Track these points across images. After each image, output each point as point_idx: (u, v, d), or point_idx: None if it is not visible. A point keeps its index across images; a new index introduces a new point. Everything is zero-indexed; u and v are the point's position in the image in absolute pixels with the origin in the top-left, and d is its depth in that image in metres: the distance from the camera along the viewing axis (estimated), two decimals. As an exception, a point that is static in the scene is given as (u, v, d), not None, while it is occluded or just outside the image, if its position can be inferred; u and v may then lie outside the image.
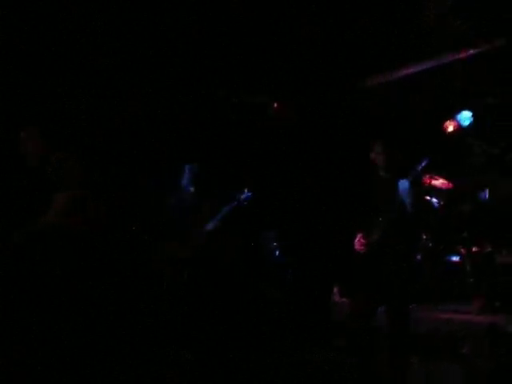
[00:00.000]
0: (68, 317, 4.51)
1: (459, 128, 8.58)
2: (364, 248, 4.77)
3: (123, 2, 6.38)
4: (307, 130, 8.40)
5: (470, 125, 8.42)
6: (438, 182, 7.69)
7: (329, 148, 8.45)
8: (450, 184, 7.76)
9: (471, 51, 7.87)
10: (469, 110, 8.45)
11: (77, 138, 5.89)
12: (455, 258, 7.52)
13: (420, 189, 4.85)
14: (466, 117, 8.47)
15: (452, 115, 8.62)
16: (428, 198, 7.50)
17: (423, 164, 4.53)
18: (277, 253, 7.99)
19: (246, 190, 6.24)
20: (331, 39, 7.54)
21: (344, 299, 7.58)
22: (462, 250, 7.32)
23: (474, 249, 7.31)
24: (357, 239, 4.87)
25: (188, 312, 6.01)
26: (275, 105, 7.56)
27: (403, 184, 4.53)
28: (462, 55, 8.01)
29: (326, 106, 8.46)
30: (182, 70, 7.25)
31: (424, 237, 7.33)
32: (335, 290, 7.68)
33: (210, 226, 6.13)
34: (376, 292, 4.69)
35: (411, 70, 8.51)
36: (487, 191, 7.40)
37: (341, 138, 8.50)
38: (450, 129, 8.72)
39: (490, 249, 7.12)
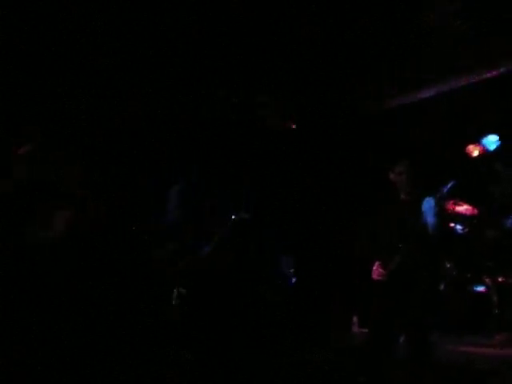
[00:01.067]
0: (68, 316, 4.36)
1: (485, 152, 8.29)
2: (383, 277, 4.47)
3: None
4: (308, 132, 8.16)
5: (496, 149, 8.12)
6: (463, 208, 7.39)
7: (331, 150, 8.22)
8: (475, 210, 7.45)
9: (495, 72, 7.60)
10: (495, 134, 8.16)
11: (76, 138, 5.75)
12: (481, 288, 7.16)
13: (445, 212, 4.54)
14: (492, 141, 8.18)
15: (477, 139, 8.35)
16: (452, 224, 7.21)
17: (449, 186, 4.23)
18: (293, 280, 7.72)
19: None
20: (332, 39, 7.33)
21: (363, 329, 7.29)
22: (487, 280, 6.98)
23: (499, 279, 6.99)
24: (375, 267, 4.58)
25: (188, 312, 5.81)
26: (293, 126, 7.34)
27: (428, 202, 4.24)
28: (486, 76, 7.75)
29: (328, 106, 8.23)
30: (182, 70, 7.09)
31: (448, 265, 7.04)
32: (354, 319, 7.39)
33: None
34: (396, 321, 4.39)
35: (429, 92, 8.28)
36: (512, 218, 7.07)
37: (340, 139, 8.27)
38: (476, 153, 8.43)
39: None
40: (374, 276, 4.54)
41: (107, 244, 5.02)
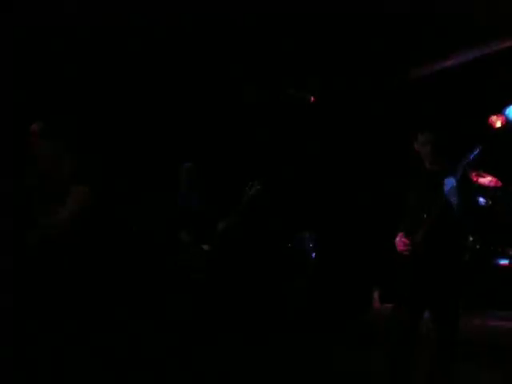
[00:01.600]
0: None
1: (508, 123, 8.09)
2: (407, 249, 4.31)
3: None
4: (331, 106, 8.01)
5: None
6: (486, 180, 7.22)
7: (354, 124, 8.08)
8: (499, 182, 7.27)
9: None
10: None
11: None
12: (505, 262, 7.00)
13: (470, 184, 4.35)
14: (515, 111, 7.99)
15: (500, 109, 8.15)
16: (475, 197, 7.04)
17: (475, 152, 4.05)
18: (313, 255, 7.60)
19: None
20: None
21: (385, 305, 7.18)
22: (512, 253, 6.83)
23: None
24: (398, 239, 4.40)
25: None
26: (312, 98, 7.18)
27: (450, 182, 4.04)
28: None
29: (360, 97, 8.07)
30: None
31: (471, 238, 6.88)
32: (375, 295, 7.26)
33: None
34: (422, 296, 4.23)
35: (455, 60, 8.08)
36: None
37: (375, 130, 8.11)
38: (498, 124, 8.24)
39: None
40: (399, 248, 4.37)
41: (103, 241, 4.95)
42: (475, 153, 4.03)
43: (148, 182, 6.66)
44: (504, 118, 8.14)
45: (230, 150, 7.40)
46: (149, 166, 6.84)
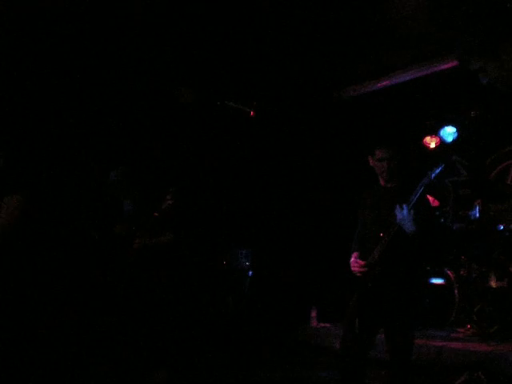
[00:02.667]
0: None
1: (442, 144, 8.21)
2: (362, 270, 4.19)
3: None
4: (283, 139, 7.94)
5: (453, 141, 8.04)
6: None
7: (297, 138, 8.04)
8: (436, 202, 7.34)
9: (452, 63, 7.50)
10: (452, 125, 8.08)
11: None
12: (439, 281, 7.02)
13: (427, 208, 4.26)
14: (449, 133, 8.10)
15: (435, 131, 8.26)
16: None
17: (437, 171, 3.98)
18: (250, 273, 7.43)
19: None
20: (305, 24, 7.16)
21: (324, 324, 7.09)
22: (449, 273, 6.87)
23: (461, 271, 6.89)
24: (352, 259, 4.29)
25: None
26: (251, 113, 7.03)
27: (402, 211, 3.95)
28: (443, 67, 7.66)
29: (303, 115, 8.04)
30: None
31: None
32: (313, 314, 7.16)
33: None
34: (376, 318, 4.13)
35: (392, 80, 8.16)
36: (477, 210, 6.96)
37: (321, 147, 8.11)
38: (432, 145, 8.35)
39: (478, 272, 6.72)
40: (353, 269, 4.26)
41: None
42: (437, 171, 3.96)
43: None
44: (439, 139, 8.24)
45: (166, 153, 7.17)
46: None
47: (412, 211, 3.95)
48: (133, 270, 5.52)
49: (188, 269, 6.76)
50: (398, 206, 4.00)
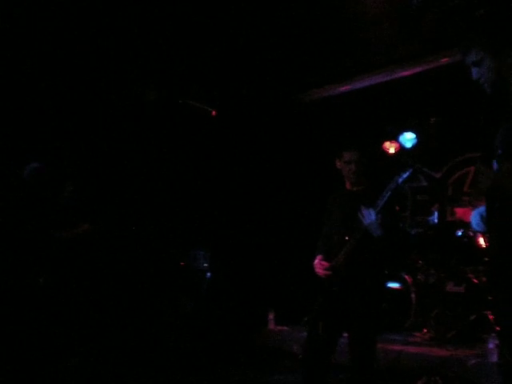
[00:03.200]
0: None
1: (401, 150, 8.27)
2: (326, 272, 4.16)
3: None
4: (245, 140, 7.90)
5: (413, 147, 8.11)
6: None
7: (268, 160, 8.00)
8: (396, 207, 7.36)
9: (416, 69, 7.56)
10: (412, 131, 8.15)
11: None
12: (395, 285, 7.05)
13: (393, 213, 4.25)
14: (408, 138, 8.17)
15: (394, 136, 8.32)
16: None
17: (405, 176, 3.97)
18: (208, 274, 7.34)
19: None
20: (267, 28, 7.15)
21: (281, 327, 7.06)
22: (406, 277, 6.91)
23: (418, 276, 6.94)
24: (316, 261, 4.26)
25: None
26: (213, 112, 6.97)
27: (369, 215, 3.94)
28: (404, 73, 7.72)
29: (265, 117, 8.01)
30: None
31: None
32: (270, 316, 7.12)
33: None
34: (340, 321, 4.10)
35: (352, 85, 8.19)
36: (436, 215, 7.03)
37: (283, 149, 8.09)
38: (392, 150, 8.41)
39: (436, 276, 6.78)
40: (317, 271, 4.22)
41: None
42: (404, 176, 3.95)
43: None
44: (398, 144, 8.31)
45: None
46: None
47: (379, 216, 3.94)
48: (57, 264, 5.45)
49: (121, 260, 6.68)
50: (365, 210, 3.98)
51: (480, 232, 2.92)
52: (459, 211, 7.11)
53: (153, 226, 7.20)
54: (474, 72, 2.90)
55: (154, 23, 6.81)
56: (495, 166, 2.82)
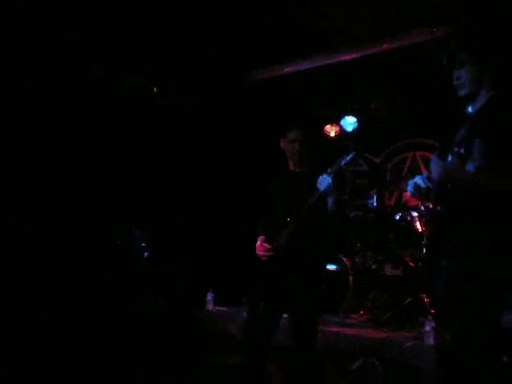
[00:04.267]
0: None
1: (342, 133, 8.32)
2: (268, 254, 4.13)
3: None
4: (189, 117, 7.77)
5: (354, 130, 8.16)
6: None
7: (214, 142, 7.91)
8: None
9: (358, 53, 7.58)
10: (353, 115, 8.20)
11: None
12: (332, 267, 7.09)
13: (344, 186, 4.28)
14: (349, 122, 8.22)
15: (336, 119, 8.37)
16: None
17: (348, 158, 3.96)
18: (146, 254, 7.22)
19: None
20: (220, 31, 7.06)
21: (220, 308, 7.02)
22: (345, 260, 6.95)
23: (356, 259, 7.01)
24: (258, 243, 4.23)
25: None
26: (154, 89, 6.84)
27: (325, 181, 3.92)
28: (347, 57, 7.73)
29: (212, 97, 7.91)
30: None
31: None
32: (209, 297, 7.07)
33: None
34: (280, 300, 4.08)
35: (295, 67, 8.16)
36: (374, 199, 7.09)
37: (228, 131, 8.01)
38: (332, 134, 8.45)
39: (374, 259, 6.86)
40: (259, 252, 4.19)
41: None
42: (348, 158, 3.95)
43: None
44: (339, 128, 8.35)
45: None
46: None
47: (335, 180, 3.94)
48: None
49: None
50: (320, 178, 3.95)
51: (413, 195, 3.01)
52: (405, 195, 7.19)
53: (88, 204, 7.02)
54: (456, 73, 2.96)
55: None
56: (450, 158, 2.89)
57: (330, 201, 3.97)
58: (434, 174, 2.83)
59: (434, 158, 2.87)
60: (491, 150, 2.73)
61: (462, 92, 2.97)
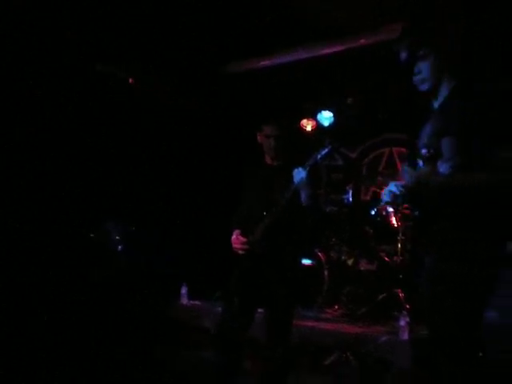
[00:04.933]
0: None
1: (318, 128, 8.31)
2: (244, 247, 4.10)
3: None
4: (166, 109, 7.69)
5: (330, 125, 8.15)
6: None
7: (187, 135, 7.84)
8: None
9: (335, 47, 7.56)
10: (330, 110, 8.19)
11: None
12: (307, 262, 7.08)
13: (319, 181, 4.26)
14: (326, 117, 8.21)
15: (312, 114, 8.35)
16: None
17: (323, 153, 3.94)
18: (120, 247, 7.15)
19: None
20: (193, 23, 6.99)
21: (194, 302, 6.98)
22: (320, 254, 6.94)
23: (331, 254, 7.01)
24: (234, 237, 4.19)
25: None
26: (130, 80, 6.76)
27: (299, 173, 3.90)
28: (325, 51, 7.70)
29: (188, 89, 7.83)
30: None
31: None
32: (183, 291, 7.02)
33: None
34: (255, 297, 4.06)
35: (272, 60, 8.12)
36: (350, 194, 7.10)
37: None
38: (309, 128, 8.43)
39: (349, 254, 6.87)
40: (234, 246, 4.16)
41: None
42: (323, 153, 3.92)
43: None
44: (315, 122, 8.33)
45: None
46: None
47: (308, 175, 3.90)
48: None
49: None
50: (295, 170, 3.93)
51: (389, 203, 2.98)
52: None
53: (60, 198, 6.92)
54: (416, 67, 2.92)
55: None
56: (420, 164, 2.87)
57: (303, 194, 3.94)
58: (408, 183, 2.82)
59: (404, 167, 2.86)
60: (461, 146, 2.72)
61: (424, 86, 2.94)
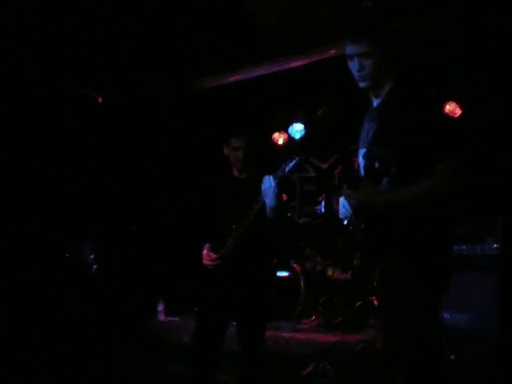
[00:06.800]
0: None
1: (290, 141, 8.36)
2: (213, 263, 4.11)
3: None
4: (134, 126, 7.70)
5: (301, 138, 8.21)
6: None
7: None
8: (284, 196, 7.43)
9: (304, 60, 7.63)
10: (301, 122, 8.25)
11: None
12: (284, 274, 7.11)
13: (291, 193, 4.29)
14: (297, 130, 8.27)
15: (283, 127, 8.40)
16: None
17: (291, 164, 3.97)
18: (95, 266, 7.14)
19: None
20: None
21: (172, 318, 6.98)
22: (295, 266, 6.98)
23: (307, 265, 7.05)
24: (204, 252, 4.19)
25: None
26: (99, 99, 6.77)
27: (269, 182, 3.92)
28: (293, 64, 7.77)
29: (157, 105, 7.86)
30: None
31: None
32: (160, 307, 7.02)
33: None
34: (227, 309, 4.07)
35: (241, 75, 8.17)
36: (323, 205, 7.15)
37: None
38: (281, 141, 8.49)
39: (324, 264, 6.91)
40: (205, 261, 4.16)
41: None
42: (291, 164, 3.95)
43: None
44: (287, 135, 8.39)
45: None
46: None
47: (277, 186, 3.92)
48: None
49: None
50: (265, 177, 3.94)
51: (343, 218, 2.98)
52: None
53: (35, 217, 6.90)
54: (356, 64, 2.90)
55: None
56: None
57: (268, 206, 3.95)
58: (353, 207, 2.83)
59: (340, 200, 2.89)
60: (397, 154, 2.71)
61: (365, 84, 2.92)
